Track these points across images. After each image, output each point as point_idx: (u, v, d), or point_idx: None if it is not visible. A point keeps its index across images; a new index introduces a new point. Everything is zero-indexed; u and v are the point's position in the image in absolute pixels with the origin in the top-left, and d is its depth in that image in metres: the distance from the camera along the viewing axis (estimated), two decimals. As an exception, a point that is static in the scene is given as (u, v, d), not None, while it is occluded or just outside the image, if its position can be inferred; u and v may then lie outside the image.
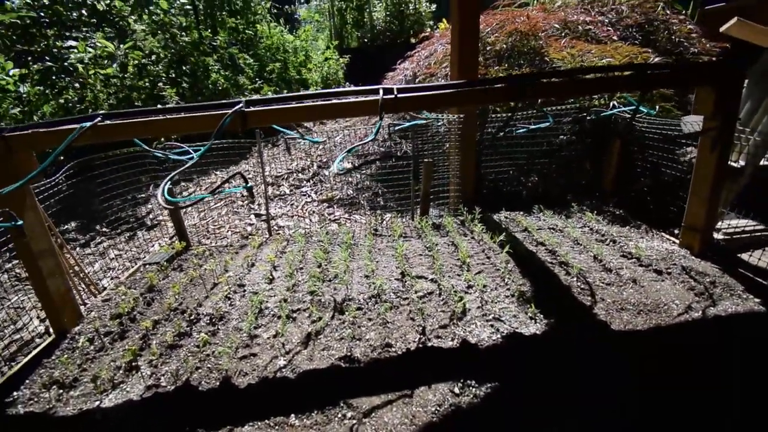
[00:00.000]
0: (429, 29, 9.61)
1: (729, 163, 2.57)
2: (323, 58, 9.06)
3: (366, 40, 11.44)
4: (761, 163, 2.72)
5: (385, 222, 3.83)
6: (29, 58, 5.69)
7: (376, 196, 4.93)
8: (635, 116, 2.44)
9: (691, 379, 1.70)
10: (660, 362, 1.80)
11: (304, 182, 5.55)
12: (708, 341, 1.91)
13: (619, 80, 2.37)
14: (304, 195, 5.26)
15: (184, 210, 4.84)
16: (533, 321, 2.08)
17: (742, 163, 2.69)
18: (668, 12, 4.93)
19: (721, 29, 3.55)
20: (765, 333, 1.96)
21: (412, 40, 8.57)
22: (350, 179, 5.37)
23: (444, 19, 6.76)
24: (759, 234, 2.75)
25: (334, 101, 2.18)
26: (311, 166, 5.87)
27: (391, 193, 4.74)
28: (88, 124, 2.00)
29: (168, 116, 2.08)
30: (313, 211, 4.85)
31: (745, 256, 2.62)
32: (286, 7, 10.10)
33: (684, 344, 1.91)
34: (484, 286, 2.39)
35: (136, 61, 6.07)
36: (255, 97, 2.24)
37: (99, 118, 2.03)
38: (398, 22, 10.99)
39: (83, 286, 3.09)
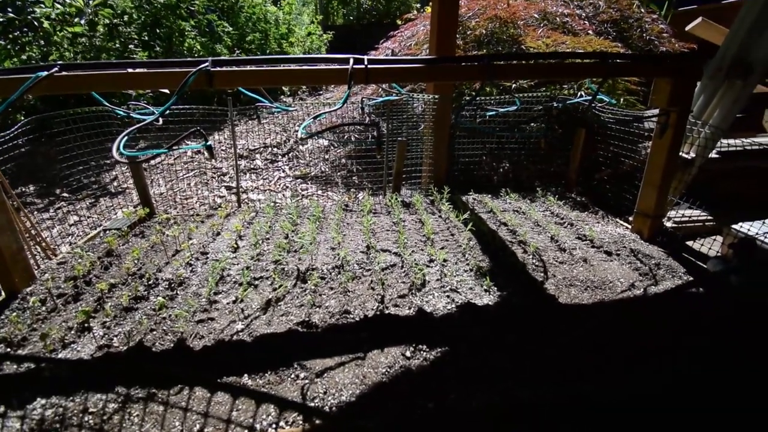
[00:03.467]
0: (415, 11, 9.50)
1: (681, 154, 2.72)
2: (306, 33, 8.83)
3: (352, 18, 11.23)
4: (710, 155, 2.89)
5: (357, 199, 3.85)
6: (-12, 9, 5.30)
7: (351, 174, 4.92)
8: (593, 102, 2.54)
9: (626, 347, 1.83)
10: (600, 333, 1.92)
11: (280, 157, 5.48)
12: (645, 315, 2.05)
13: (584, 67, 2.44)
14: (279, 170, 5.20)
15: (150, 177, 4.70)
16: (487, 293, 2.17)
17: (692, 154, 2.84)
18: (642, 11, 5.07)
19: (687, 28, 3.70)
20: (697, 309, 2.12)
21: (398, 22, 8.45)
22: (326, 156, 5.33)
23: (431, 2, 6.70)
24: (705, 223, 2.93)
25: (305, 67, 2.16)
26: (287, 141, 5.79)
27: (367, 172, 4.75)
28: (45, 73, 1.91)
29: (130, 70, 2.01)
30: (287, 186, 4.81)
31: (691, 243, 2.80)
32: (270, -24, 9.74)
33: (622, 317, 2.04)
34: (445, 261, 2.47)
35: (107, 21, 5.76)
36: (223, 57, 2.19)
37: (57, 68, 1.94)
38: (385, 2, 10.82)
39: (39, 249, 2.98)
